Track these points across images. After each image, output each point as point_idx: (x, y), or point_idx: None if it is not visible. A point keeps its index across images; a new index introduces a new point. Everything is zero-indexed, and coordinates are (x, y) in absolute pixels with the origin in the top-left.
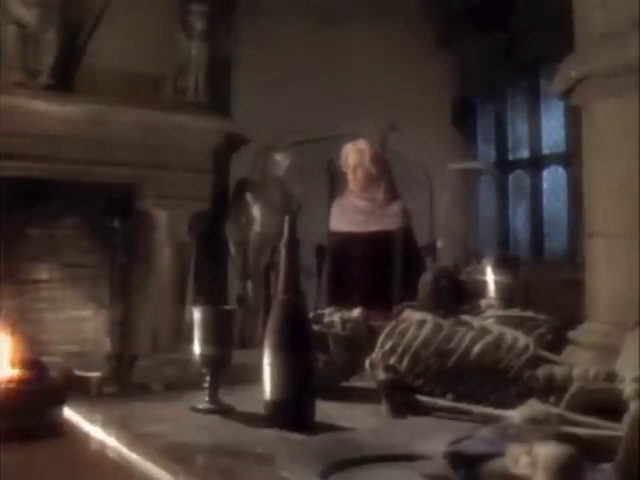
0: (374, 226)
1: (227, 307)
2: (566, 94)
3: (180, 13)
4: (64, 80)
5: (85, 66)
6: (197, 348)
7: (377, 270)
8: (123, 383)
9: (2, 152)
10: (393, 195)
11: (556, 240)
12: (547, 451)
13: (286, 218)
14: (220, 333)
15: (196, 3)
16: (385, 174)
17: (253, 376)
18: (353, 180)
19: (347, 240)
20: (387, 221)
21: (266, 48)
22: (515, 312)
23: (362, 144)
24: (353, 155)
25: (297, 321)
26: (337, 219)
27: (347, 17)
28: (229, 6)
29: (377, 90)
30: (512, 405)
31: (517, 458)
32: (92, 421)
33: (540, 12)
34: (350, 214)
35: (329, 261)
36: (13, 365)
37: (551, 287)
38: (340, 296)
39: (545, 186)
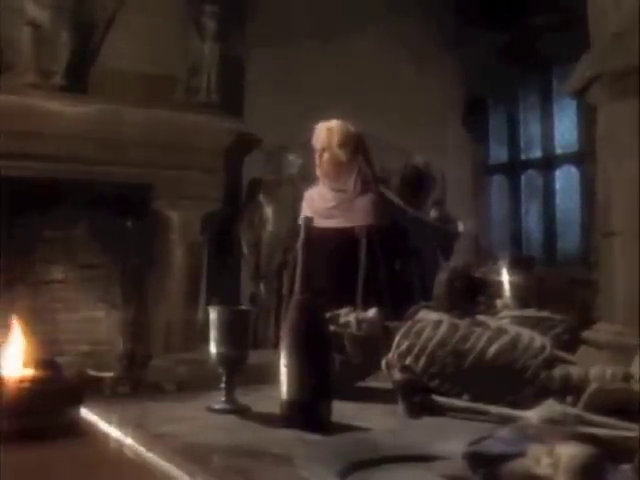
0: (340, 222)
1: (243, 307)
2: (580, 93)
3: (192, 14)
4: (78, 81)
5: (98, 67)
6: (213, 348)
7: (340, 272)
8: (136, 383)
9: (17, 153)
10: (365, 187)
11: (569, 240)
12: (570, 451)
13: (302, 218)
14: (236, 333)
15: (208, 4)
16: (358, 161)
17: (267, 376)
18: (319, 166)
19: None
20: (354, 217)
21: (278, 48)
22: (531, 312)
23: (333, 123)
24: (321, 136)
25: (314, 321)
26: (305, 210)
27: (358, 18)
28: (241, 6)
29: (388, 90)
30: (528, 405)
31: (538, 458)
32: (109, 421)
33: (552, 12)
34: (317, 205)
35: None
36: (27, 365)
37: (564, 287)
38: None
39: (558, 186)
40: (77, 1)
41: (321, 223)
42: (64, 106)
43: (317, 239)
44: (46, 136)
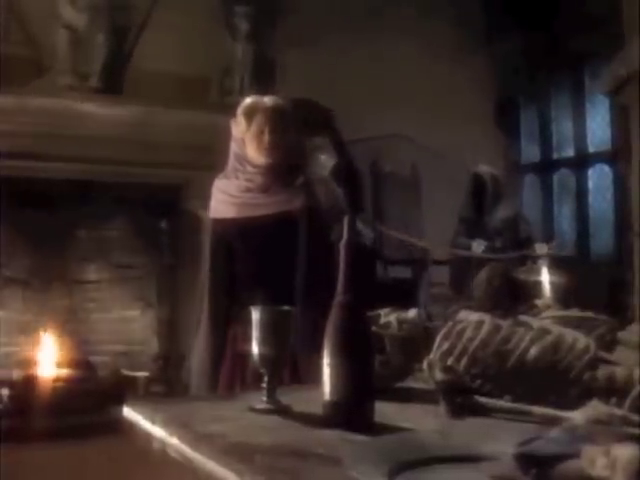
0: (273, 207)
1: (285, 307)
2: (614, 92)
3: (225, 15)
4: (113, 83)
5: (133, 69)
6: (255, 348)
7: (278, 268)
8: (170, 383)
9: (52, 154)
10: (297, 162)
11: (602, 240)
12: (628, 453)
13: (345, 218)
14: (278, 333)
15: (241, 5)
16: (291, 138)
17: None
18: (258, 146)
19: (236, 229)
20: (288, 199)
21: (310, 49)
22: (574, 312)
23: (268, 100)
24: (263, 113)
25: (357, 321)
26: (221, 204)
27: (389, 18)
28: (274, 7)
29: (420, 90)
30: (572, 406)
31: (594, 459)
32: (152, 421)
33: (584, 10)
34: (240, 193)
35: (211, 261)
36: (62, 365)
37: (598, 287)
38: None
39: (591, 185)
40: (112, 3)
41: (248, 212)
42: (99, 108)
43: (247, 233)
44: (81, 137)
